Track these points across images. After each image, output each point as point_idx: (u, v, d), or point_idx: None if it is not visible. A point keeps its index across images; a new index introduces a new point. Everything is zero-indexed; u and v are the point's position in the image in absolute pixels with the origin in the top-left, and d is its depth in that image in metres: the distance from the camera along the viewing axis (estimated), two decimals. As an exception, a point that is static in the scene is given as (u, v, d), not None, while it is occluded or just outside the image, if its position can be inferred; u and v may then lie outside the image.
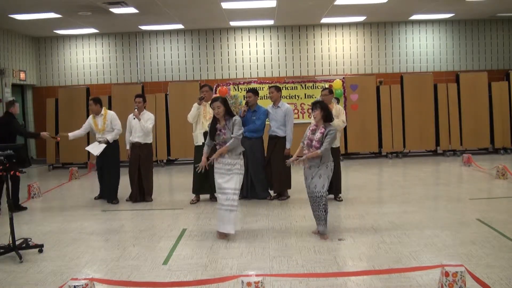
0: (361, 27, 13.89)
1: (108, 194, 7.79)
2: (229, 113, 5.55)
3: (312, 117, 5.61)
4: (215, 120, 5.60)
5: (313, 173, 5.44)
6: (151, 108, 11.74)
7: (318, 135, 5.41)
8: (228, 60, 13.95)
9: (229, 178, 5.49)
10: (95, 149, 7.60)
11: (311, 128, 5.55)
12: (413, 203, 7.06)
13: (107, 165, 7.75)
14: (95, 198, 8.09)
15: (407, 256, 4.80)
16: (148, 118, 7.64)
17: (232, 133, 5.46)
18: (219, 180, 5.54)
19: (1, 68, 12.04)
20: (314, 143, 5.40)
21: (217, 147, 5.59)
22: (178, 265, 4.78)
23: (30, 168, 10.70)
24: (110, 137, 7.63)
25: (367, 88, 11.93)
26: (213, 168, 7.42)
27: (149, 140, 7.75)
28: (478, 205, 6.80)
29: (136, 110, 7.55)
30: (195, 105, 7.30)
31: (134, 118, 7.58)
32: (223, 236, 5.56)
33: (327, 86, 11.21)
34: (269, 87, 7.64)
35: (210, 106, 5.63)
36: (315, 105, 5.51)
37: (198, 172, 5.76)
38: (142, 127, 7.55)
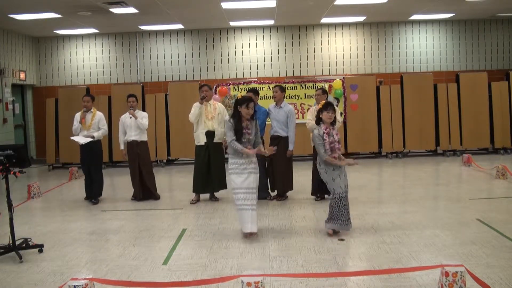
0: (361, 27, 13.89)
1: (95, 192, 7.84)
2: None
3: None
4: (241, 120, 5.50)
5: (341, 174, 5.51)
6: (151, 108, 11.76)
7: (336, 137, 5.50)
8: (228, 60, 13.95)
9: (246, 177, 5.48)
10: (81, 139, 7.61)
11: (325, 132, 5.47)
12: (413, 203, 7.06)
13: (94, 164, 7.80)
14: (85, 199, 8.00)
15: (407, 256, 4.80)
16: (143, 116, 7.76)
17: (258, 135, 5.61)
18: (236, 179, 5.50)
19: (1, 68, 12.04)
20: (337, 145, 5.47)
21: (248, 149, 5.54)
22: (178, 265, 4.78)
23: (30, 168, 10.70)
24: (96, 134, 7.71)
25: (367, 88, 11.93)
26: (215, 167, 7.46)
27: (145, 137, 7.83)
28: (478, 205, 6.79)
29: (131, 109, 7.64)
30: (196, 104, 7.30)
31: (130, 117, 7.65)
32: (249, 235, 5.57)
33: (327, 86, 11.23)
34: (274, 86, 7.63)
35: (245, 106, 5.44)
36: (329, 106, 5.48)
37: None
38: (139, 124, 7.62)
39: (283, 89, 7.53)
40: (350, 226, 5.54)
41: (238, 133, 5.46)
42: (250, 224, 5.46)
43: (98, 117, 7.79)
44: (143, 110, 10.99)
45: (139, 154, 7.71)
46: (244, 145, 5.47)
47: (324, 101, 5.74)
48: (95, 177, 7.79)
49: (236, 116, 5.51)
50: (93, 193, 7.83)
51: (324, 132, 5.46)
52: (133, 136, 7.69)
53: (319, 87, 8.35)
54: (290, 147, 7.36)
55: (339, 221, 5.47)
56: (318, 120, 5.57)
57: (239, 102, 5.50)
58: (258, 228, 5.94)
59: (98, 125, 7.77)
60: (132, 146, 7.73)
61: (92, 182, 7.82)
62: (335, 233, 5.56)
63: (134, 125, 7.67)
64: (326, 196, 7.29)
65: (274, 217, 6.54)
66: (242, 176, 5.48)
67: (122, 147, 7.84)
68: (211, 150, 7.38)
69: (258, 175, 5.62)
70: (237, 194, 5.50)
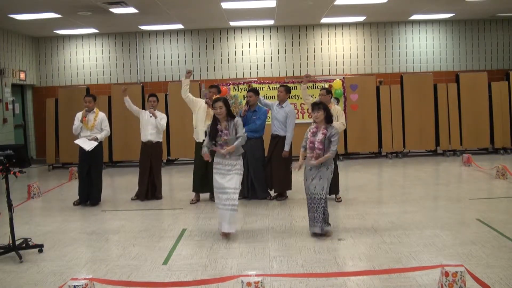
0: (361, 27, 13.88)
1: (95, 196, 7.64)
2: (230, 114, 5.56)
3: (311, 118, 5.60)
4: (215, 121, 5.60)
5: (313, 175, 5.43)
6: (151, 108, 11.74)
7: (320, 136, 5.38)
8: (228, 60, 13.94)
9: (230, 177, 5.52)
10: (86, 144, 7.38)
11: (311, 131, 5.51)
12: (413, 203, 7.06)
13: (95, 166, 7.60)
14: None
15: (407, 256, 4.80)
16: (162, 117, 7.81)
17: (237, 133, 5.50)
18: (220, 180, 5.55)
19: (1, 68, 12.03)
20: (316, 145, 5.36)
21: (216, 147, 5.58)
22: (178, 265, 4.78)
23: (30, 168, 10.70)
24: (99, 136, 7.55)
25: (367, 88, 11.93)
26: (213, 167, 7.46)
27: (160, 138, 7.89)
28: (478, 205, 6.80)
29: (152, 108, 7.70)
30: (185, 80, 7.41)
31: (151, 116, 7.68)
32: (226, 235, 5.59)
33: (327, 86, 11.22)
34: (280, 86, 7.67)
35: (212, 106, 5.65)
36: (317, 106, 5.45)
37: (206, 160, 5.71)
38: (157, 124, 7.69)
39: (288, 90, 7.55)
40: (316, 229, 5.44)
41: (210, 135, 5.58)
42: (234, 224, 5.57)
43: (101, 117, 7.63)
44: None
45: (152, 155, 7.76)
46: (221, 147, 5.51)
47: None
48: (95, 180, 7.58)
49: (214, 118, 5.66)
50: (91, 198, 7.62)
51: (309, 131, 5.53)
52: (148, 135, 7.72)
53: (322, 87, 8.36)
54: (286, 147, 7.35)
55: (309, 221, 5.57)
56: None
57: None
58: (258, 228, 5.97)
59: (101, 125, 7.61)
60: (147, 146, 7.75)
61: (90, 185, 7.58)
62: (315, 235, 5.53)
63: (152, 124, 7.70)
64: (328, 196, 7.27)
65: (274, 217, 6.55)
66: (226, 177, 5.53)
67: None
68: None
69: (242, 176, 5.66)
70: (225, 195, 5.53)
